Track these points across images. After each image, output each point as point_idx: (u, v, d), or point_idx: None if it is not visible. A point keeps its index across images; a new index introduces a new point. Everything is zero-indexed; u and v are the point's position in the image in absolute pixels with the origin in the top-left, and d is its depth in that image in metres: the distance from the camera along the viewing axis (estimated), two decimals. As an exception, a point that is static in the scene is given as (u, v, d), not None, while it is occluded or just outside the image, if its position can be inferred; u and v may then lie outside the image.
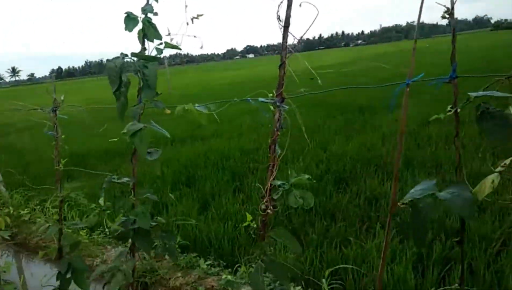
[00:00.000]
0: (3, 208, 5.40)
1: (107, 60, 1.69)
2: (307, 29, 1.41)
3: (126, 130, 1.68)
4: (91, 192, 5.31)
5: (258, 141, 7.29)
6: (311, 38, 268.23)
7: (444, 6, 1.20)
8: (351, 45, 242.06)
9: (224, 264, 3.46)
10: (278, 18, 1.46)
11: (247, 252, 3.60)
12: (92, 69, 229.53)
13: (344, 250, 3.24)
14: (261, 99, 1.58)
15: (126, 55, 1.71)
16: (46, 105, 2.97)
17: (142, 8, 1.80)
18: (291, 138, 1.67)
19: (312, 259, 3.18)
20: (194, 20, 1.76)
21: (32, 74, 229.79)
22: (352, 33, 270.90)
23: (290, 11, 1.47)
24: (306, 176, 1.56)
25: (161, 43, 1.82)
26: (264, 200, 1.56)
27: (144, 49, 1.83)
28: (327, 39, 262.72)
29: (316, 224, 3.80)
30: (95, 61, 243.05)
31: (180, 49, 1.85)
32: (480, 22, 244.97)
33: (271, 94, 1.54)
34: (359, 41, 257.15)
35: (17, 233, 4.71)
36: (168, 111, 1.79)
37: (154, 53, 1.82)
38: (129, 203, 1.91)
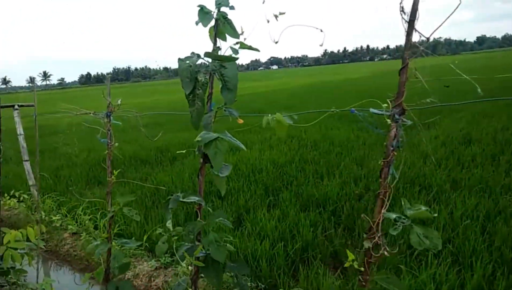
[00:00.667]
0: (35, 213, 5.36)
1: (179, 59, 1.52)
2: (437, 28, 1.19)
3: (199, 138, 1.50)
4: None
5: (290, 154, 7.08)
6: (335, 51, 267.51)
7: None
8: (375, 60, 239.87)
9: (263, 286, 3.25)
10: (402, 10, 1.24)
11: (286, 274, 3.39)
12: (120, 75, 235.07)
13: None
14: (373, 110, 1.35)
15: (199, 55, 1.54)
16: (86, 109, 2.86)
17: (217, 1, 1.61)
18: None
19: None
20: (276, 17, 1.56)
21: (62, 79, 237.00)
22: (377, 47, 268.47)
23: (417, 3, 1.24)
24: (424, 208, 1.30)
25: (236, 43, 1.64)
26: (373, 236, 1.31)
27: (217, 48, 1.65)
28: (352, 52, 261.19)
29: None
30: (123, 68, 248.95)
31: (258, 50, 1.66)
32: (510, 40, 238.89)
33: (385, 105, 1.31)
34: (385, 56, 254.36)
35: (47, 240, 4.63)
36: (241, 121, 1.60)
37: (228, 53, 1.63)
38: (198, 226, 1.71)
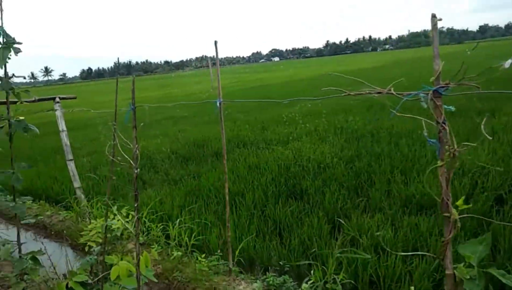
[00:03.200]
0: (85, 220, 4.71)
1: None
2: None
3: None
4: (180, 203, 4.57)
5: (351, 148, 6.41)
6: (337, 42, 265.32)
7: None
8: (378, 50, 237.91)
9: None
10: None
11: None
12: (121, 70, 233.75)
13: None
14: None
15: None
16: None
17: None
18: None
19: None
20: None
21: (64, 74, 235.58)
22: (379, 38, 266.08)
23: None
24: None
25: None
26: None
27: None
28: (354, 43, 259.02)
29: None
30: (124, 62, 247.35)
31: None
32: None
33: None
34: (387, 46, 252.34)
35: (109, 252, 3.97)
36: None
37: None
38: None
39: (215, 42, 3.05)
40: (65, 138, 4.82)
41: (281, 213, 4.16)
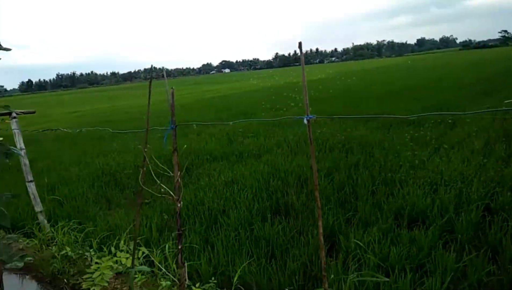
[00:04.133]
0: (51, 246, 4.19)
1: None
2: None
3: None
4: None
5: (327, 160, 6.33)
6: (286, 54, 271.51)
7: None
8: (325, 62, 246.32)
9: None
10: None
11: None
12: (64, 82, 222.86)
13: None
14: None
15: None
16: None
17: None
18: None
19: None
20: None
21: (1, 86, 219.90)
22: (325, 50, 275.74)
23: None
24: None
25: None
26: None
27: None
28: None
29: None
30: (67, 74, 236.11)
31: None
32: (446, 42, 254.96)
33: None
34: (333, 58, 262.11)
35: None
36: None
37: None
38: None
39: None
40: (24, 158, 4.28)
41: (272, 232, 3.93)
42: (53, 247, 4.17)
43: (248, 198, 4.88)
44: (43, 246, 4.24)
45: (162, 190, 2.70)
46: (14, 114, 4.16)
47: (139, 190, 2.82)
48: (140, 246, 3.56)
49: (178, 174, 1.62)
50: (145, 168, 2.76)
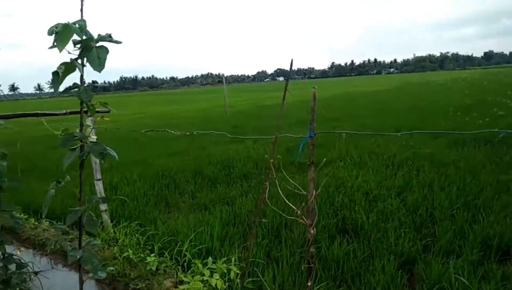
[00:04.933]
0: (112, 247, 4.19)
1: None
2: None
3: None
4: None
5: (398, 176, 5.89)
6: (342, 63, 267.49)
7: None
8: (383, 73, 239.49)
9: None
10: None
11: None
12: (127, 84, 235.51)
13: None
14: None
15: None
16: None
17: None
18: None
19: None
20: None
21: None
22: (384, 61, 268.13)
23: None
24: None
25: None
26: None
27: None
28: (359, 65, 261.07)
29: None
30: (130, 76, 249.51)
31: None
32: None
33: None
34: (392, 70, 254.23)
35: (144, 291, 3.43)
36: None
37: None
38: None
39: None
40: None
41: (340, 254, 3.63)
42: (115, 247, 4.16)
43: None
44: (105, 246, 4.24)
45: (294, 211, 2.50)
46: (89, 113, 4.21)
47: (256, 211, 2.65)
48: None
49: (313, 193, 1.40)
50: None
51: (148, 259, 3.67)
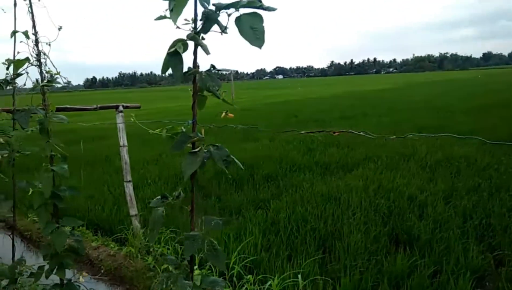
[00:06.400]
0: (143, 255, 3.82)
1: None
2: None
3: None
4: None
5: (440, 180, 5.55)
6: (342, 62, 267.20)
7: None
8: (382, 72, 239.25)
9: None
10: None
11: None
12: (125, 80, 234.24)
13: None
14: None
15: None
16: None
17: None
18: None
19: None
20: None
21: (68, 82, 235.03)
22: (383, 60, 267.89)
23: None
24: None
25: None
26: None
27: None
28: (358, 65, 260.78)
29: None
30: (129, 73, 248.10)
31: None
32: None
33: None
34: (391, 69, 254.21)
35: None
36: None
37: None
38: None
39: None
40: (125, 155, 3.97)
41: (401, 267, 3.28)
42: (149, 257, 3.80)
43: (360, 220, 4.25)
44: (138, 255, 3.88)
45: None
46: (120, 108, 3.86)
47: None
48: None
49: None
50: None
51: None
